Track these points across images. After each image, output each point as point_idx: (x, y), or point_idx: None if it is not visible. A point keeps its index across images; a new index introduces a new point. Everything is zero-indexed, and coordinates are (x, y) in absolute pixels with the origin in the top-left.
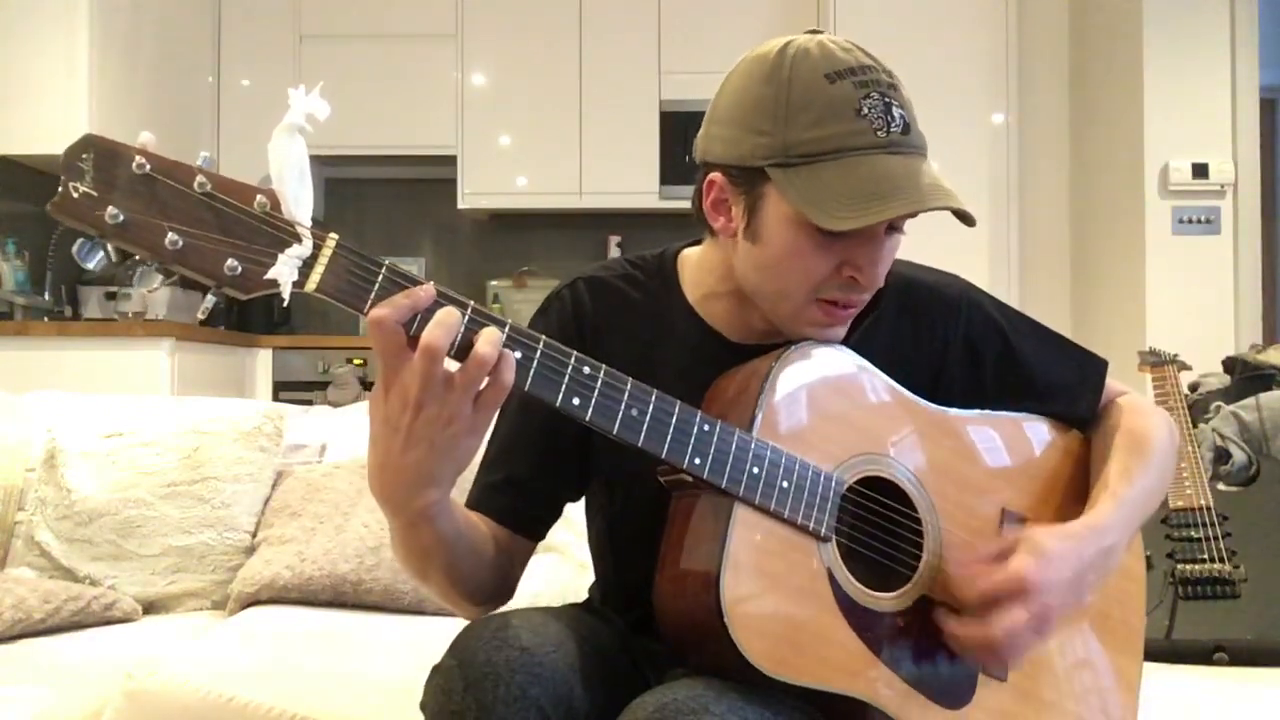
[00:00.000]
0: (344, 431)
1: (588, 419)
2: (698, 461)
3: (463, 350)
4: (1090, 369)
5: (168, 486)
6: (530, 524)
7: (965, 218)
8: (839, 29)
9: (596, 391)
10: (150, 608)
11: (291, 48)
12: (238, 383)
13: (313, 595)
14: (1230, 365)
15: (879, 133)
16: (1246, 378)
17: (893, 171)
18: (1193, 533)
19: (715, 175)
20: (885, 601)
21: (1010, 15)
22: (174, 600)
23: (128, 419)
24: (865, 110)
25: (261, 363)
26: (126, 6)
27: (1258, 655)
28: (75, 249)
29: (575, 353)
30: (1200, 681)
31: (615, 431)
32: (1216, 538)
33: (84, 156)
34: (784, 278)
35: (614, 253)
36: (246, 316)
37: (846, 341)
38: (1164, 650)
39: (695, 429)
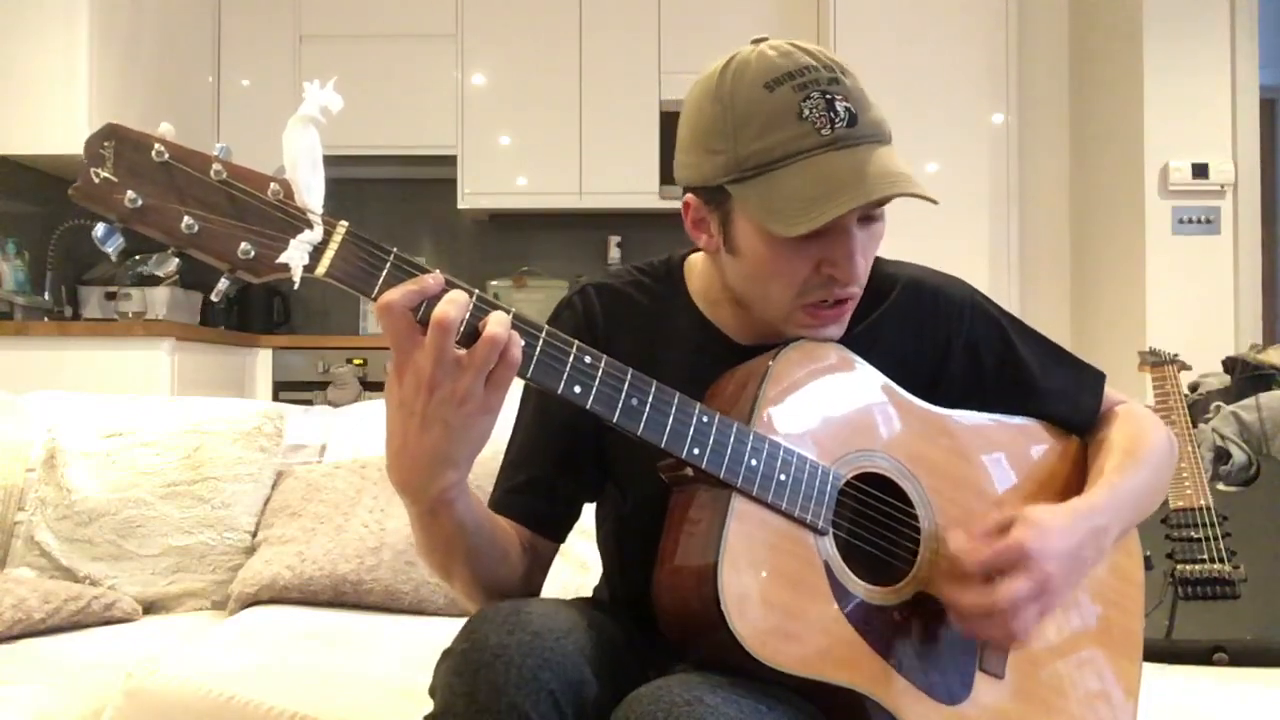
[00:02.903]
0: (344, 431)
1: (588, 406)
2: (696, 452)
3: (468, 337)
4: (1089, 378)
5: (168, 486)
6: (552, 524)
7: (923, 196)
8: (839, 29)
9: (597, 380)
10: (150, 608)
11: (291, 48)
12: (238, 383)
13: (313, 595)
14: (1230, 365)
15: (823, 131)
16: (1246, 378)
17: (838, 169)
18: (1192, 533)
19: (689, 197)
20: (882, 595)
21: (1010, 15)
22: (174, 600)
23: (128, 419)
24: (806, 113)
25: (261, 363)
26: (126, 6)
27: (1257, 655)
28: (95, 233)
29: (577, 342)
30: (1200, 682)
31: (615, 420)
32: (1216, 538)
33: (106, 144)
34: (767, 284)
35: (614, 253)
36: (247, 316)
37: (850, 336)
38: (1164, 650)
39: (694, 420)
